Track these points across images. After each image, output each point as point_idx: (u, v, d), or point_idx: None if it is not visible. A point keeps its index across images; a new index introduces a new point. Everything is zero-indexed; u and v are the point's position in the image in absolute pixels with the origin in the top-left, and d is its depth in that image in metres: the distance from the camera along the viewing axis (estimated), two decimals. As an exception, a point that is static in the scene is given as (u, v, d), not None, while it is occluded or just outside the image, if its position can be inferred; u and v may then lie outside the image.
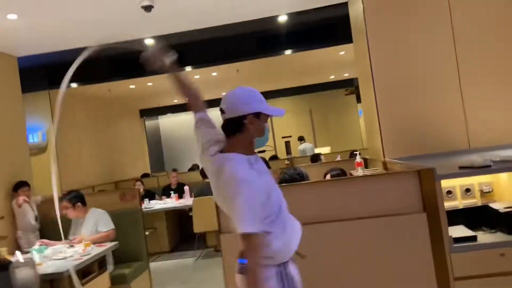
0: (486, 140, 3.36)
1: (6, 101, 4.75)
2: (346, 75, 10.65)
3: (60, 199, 4.01)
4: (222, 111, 1.71)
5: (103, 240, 3.81)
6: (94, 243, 3.71)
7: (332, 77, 10.99)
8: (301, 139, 10.96)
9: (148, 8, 3.78)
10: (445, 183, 2.63)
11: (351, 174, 3.50)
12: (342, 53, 7.21)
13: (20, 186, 4.46)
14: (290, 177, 2.67)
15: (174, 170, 9.35)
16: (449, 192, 2.70)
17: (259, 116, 1.72)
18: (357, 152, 3.92)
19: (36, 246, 3.69)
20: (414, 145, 3.45)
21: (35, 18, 4.13)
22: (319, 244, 2.24)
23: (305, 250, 2.24)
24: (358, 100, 10.60)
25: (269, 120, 1.78)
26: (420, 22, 3.53)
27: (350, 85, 11.70)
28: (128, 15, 4.38)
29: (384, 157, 3.50)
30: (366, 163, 4.21)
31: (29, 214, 4.40)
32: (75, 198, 3.97)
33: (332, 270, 2.23)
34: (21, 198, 4.37)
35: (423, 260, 2.18)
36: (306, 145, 10.71)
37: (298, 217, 2.25)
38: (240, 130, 1.69)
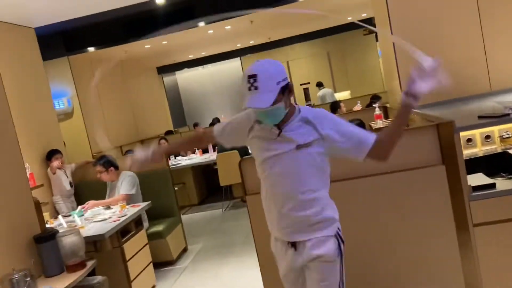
0: (508, 82, 3.30)
1: (29, 72, 4.88)
2: (364, 15, 10.27)
3: (94, 164, 4.27)
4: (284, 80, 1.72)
5: (114, 204, 4.04)
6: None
7: (349, 19, 10.61)
8: (319, 85, 10.81)
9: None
10: (465, 132, 2.66)
11: (370, 126, 3.54)
12: (359, -7, 6.95)
13: (53, 154, 4.69)
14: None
15: (196, 124, 9.52)
16: (469, 140, 2.73)
17: None
18: (376, 105, 3.92)
19: (77, 210, 3.98)
20: (434, 91, 3.41)
21: (48, -12, 4.15)
22: (343, 201, 2.36)
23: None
24: (377, 39, 10.29)
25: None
26: (438, -39, 3.37)
27: (368, 25, 11.31)
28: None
29: (403, 105, 3.50)
30: (386, 112, 4.22)
31: (63, 180, 4.66)
32: (108, 162, 4.20)
33: (356, 225, 2.36)
34: (55, 164, 4.61)
35: (443, 209, 2.28)
36: (325, 91, 10.60)
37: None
38: None
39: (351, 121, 3.57)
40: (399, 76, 3.49)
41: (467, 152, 2.71)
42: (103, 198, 4.27)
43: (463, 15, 3.37)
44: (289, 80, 1.74)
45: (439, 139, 2.25)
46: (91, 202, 4.08)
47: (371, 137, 1.75)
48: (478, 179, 2.38)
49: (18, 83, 4.60)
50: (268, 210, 1.90)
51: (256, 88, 1.64)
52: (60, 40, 6.71)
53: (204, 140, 2.21)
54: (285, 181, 1.78)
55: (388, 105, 4.33)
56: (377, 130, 3.40)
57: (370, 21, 10.69)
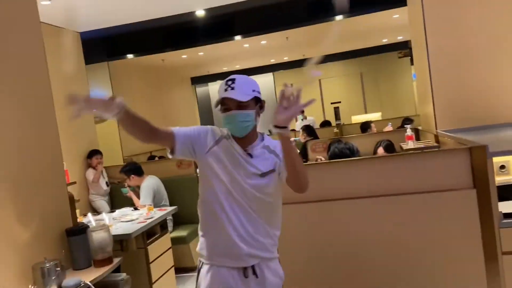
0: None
1: (72, 74, 5.11)
2: (400, 38, 10.25)
3: (120, 171, 4.52)
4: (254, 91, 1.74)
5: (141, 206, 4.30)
6: None
7: (385, 41, 10.62)
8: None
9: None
10: (498, 158, 2.61)
11: (401, 147, 3.51)
12: (396, 16, 6.94)
13: (94, 154, 4.97)
14: (340, 152, 2.76)
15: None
16: (502, 166, 2.68)
17: None
18: (408, 125, 3.89)
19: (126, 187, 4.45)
20: (468, 116, 3.38)
21: (96, -4, 4.37)
22: (369, 218, 2.35)
23: (355, 224, 2.38)
24: (412, 62, 10.20)
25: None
26: (477, -13, 3.37)
27: (404, 48, 11.24)
28: (181, -11, 4.50)
29: (436, 128, 3.47)
30: (418, 134, 4.18)
31: (100, 181, 4.89)
32: (129, 171, 4.45)
33: (381, 242, 2.34)
34: (96, 176, 4.90)
35: (471, 235, 2.24)
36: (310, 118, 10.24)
37: (348, 192, 2.38)
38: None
39: (380, 141, 3.57)
40: (433, 100, 3.47)
41: (500, 179, 2.65)
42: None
43: (502, 43, 3.35)
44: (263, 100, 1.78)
45: (471, 163, 2.22)
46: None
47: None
48: (510, 206, 2.33)
49: (61, 84, 4.82)
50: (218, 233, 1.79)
51: (232, 88, 1.69)
52: (103, 46, 7.00)
53: (160, 134, 1.78)
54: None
55: (420, 128, 4.29)
56: (408, 150, 3.38)
57: (406, 43, 10.68)
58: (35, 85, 2.67)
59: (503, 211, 2.23)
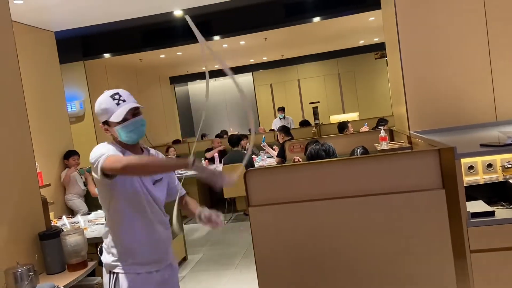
0: (514, 113, 3.34)
1: (46, 74, 5.02)
2: (376, 39, 10.42)
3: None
4: None
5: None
6: None
7: (361, 42, 10.77)
8: (282, 109, 9.64)
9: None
10: (467, 159, 2.70)
11: (375, 148, 3.58)
12: (372, 18, 7.07)
13: (70, 154, 4.91)
14: (316, 153, 2.79)
15: (204, 135, 9.61)
16: (470, 167, 2.77)
17: (109, 123, 1.96)
18: (382, 126, 3.96)
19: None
20: (440, 117, 3.46)
21: (70, -5, 4.30)
22: (344, 218, 2.39)
23: (328, 224, 2.41)
24: (388, 64, 10.36)
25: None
26: (449, -11, 3.45)
27: (380, 49, 11.42)
28: (158, -11, 4.47)
29: (409, 129, 3.55)
30: (392, 135, 4.27)
31: (78, 180, 4.88)
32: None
33: (351, 243, 2.39)
34: (69, 174, 4.87)
35: (441, 234, 2.30)
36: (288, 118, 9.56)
37: (322, 192, 2.41)
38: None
39: (356, 149, 3.61)
40: (406, 102, 3.54)
41: (469, 179, 2.74)
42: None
43: (472, 45, 3.43)
44: None
45: (441, 164, 2.29)
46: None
47: None
48: (477, 206, 2.41)
49: (35, 84, 4.72)
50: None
51: (124, 100, 1.95)
52: (78, 45, 6.88)
53: None
54: None
55: (394, 129, 4.38)
56: (382, 151, 3.45)
57: (382, 45, 10.85)
58: (5, 84, 2.61)
59: (471, 211, 2.30)
